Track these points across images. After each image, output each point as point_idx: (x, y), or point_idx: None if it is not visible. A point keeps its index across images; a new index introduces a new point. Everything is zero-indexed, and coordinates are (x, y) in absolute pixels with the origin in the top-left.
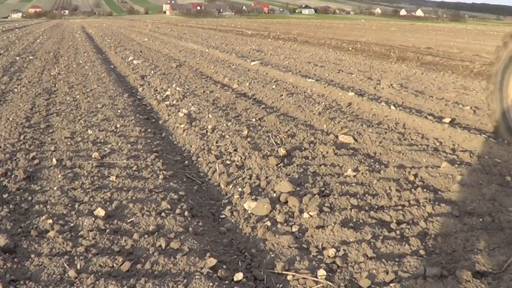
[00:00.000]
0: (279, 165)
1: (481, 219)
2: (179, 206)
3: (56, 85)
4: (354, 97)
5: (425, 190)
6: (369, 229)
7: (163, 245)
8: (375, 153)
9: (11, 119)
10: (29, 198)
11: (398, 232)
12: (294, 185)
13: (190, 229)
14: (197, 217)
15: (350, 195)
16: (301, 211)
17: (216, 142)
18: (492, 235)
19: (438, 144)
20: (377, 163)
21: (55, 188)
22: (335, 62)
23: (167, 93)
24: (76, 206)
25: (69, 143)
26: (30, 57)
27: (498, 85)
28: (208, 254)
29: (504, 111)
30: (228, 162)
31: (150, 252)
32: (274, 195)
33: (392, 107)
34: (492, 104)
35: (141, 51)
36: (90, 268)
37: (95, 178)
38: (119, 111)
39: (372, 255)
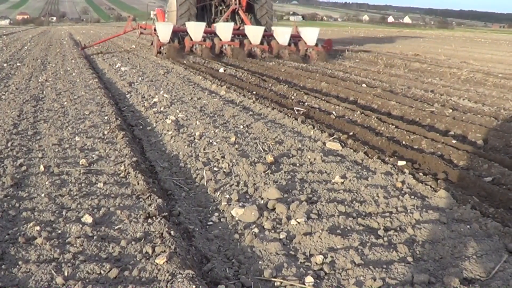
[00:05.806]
0: (266, 172)
1: (468, 226)
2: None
3: (44, 92)
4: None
5: (412, 197)
6: (356, 236)
7: (150, 252)
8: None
9: None
10: (17, 205)
11: (385, 239)
12: (282, 192)
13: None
14: (185, 223)
15: (337, 202)
16: (288, 218)
17: (204, 149)
18: (479, 242)
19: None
20: (364, 170)
21: (42, 195)
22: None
23: (155, 100)
24: (64, 213)
25: (56, 150)
26: (18, 64)
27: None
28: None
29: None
30: (215, 169)
31: (138, 259)
32: (262, 202)
33: None
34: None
35: (128, 58)
36: (77, 275)
37: (83, 185)
38: (106, 117)
39: (360, 262)
